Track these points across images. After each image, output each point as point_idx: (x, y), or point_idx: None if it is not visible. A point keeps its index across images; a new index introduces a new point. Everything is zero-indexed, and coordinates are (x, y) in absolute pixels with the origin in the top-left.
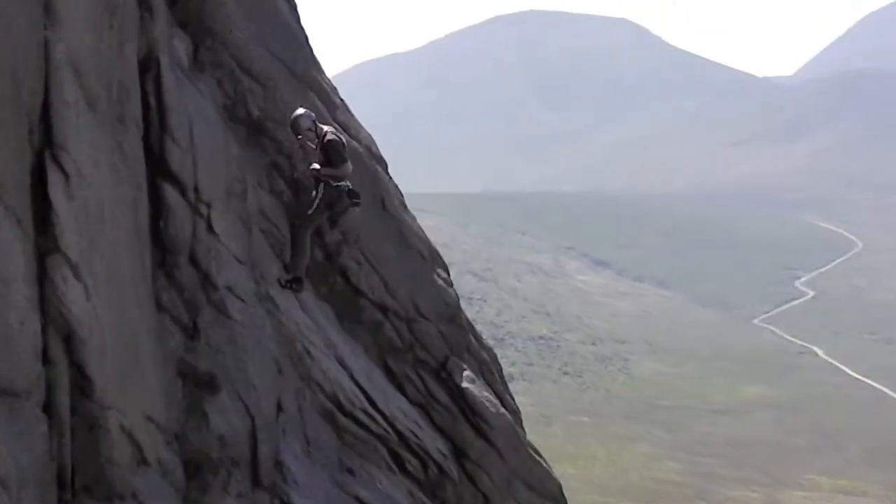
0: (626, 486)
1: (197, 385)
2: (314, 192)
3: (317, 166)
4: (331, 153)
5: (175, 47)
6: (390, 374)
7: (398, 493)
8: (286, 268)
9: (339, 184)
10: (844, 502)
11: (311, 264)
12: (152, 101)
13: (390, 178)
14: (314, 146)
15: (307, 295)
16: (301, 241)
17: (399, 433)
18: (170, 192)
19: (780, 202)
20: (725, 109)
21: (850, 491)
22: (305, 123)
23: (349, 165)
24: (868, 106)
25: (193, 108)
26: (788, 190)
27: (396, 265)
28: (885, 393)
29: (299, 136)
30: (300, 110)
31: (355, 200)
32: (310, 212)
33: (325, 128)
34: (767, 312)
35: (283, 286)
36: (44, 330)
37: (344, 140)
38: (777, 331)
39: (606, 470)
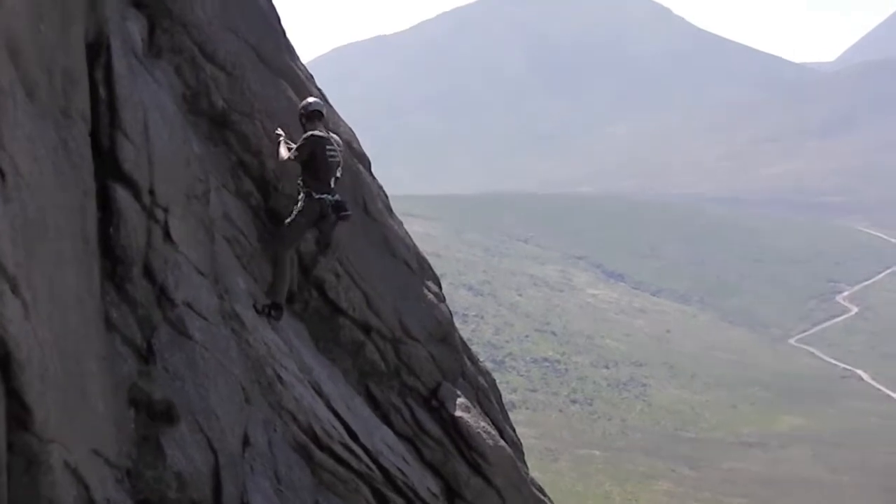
0: None
1: (152, 415)
2: (295, 205)
3: (284, 152)
4: (300, 144)
5: (128, 29)
6: (373, 403)
7: None
8: (266, 291)
9: (323, 195)
10: None
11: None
12: (102, 90)
13: (374, 177)
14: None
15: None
16: (281, 262)
17: (383, 470)
18: (121, 195)
19: (820, 206)
20: (758, 100)
21: None
22: (313, 107)
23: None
24: None
25: (149, 99)
26: (830, 192)
27: (380, 278)
28: None
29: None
30: (313, 99)
31: (343, 214)
32: (287, 222)
33: (324, 131)
34: (805, 332)
35: (259, 312)
36: None
37: (331, 146)
38: (816, 352)
39: None
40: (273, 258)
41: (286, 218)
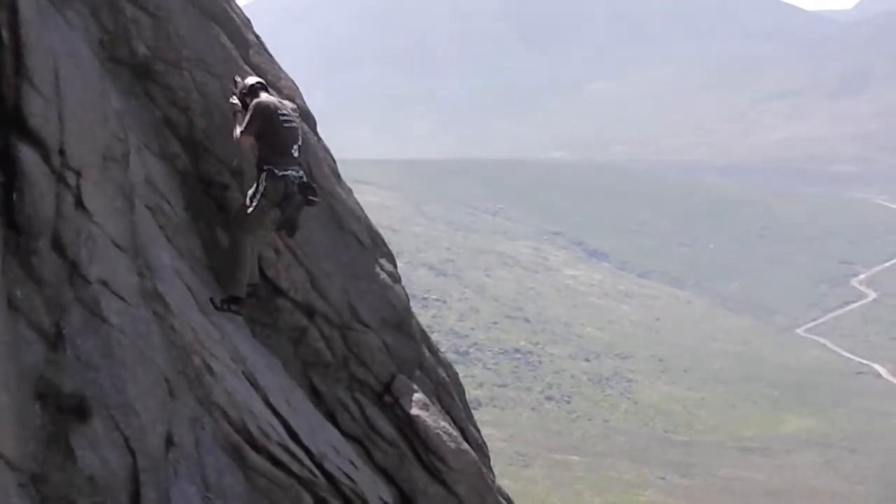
0: None
1: (61, 410)
2: (255, 186)
3: (238, 130)
4: (248, 115)
5: None
6: (317, 398)
7: None
8: (220, 283)
9: (287, 172)
10: None
11: (219, 255)
12: (5, 35)
13: (319, 138)
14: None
15: (209, 294)
16: (240, 250)
17: (328, 475)
18: (27, 156)
19: (833, 176)
20: (764, 54)
21: None
22: (252, 84)
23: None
24: None
25: (60, 45)
26: (844, 160)
27: (326, 254)
28: None
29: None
30: (252, 78)
31: (311, 197)
32: (248, 210)
33: (267, 97)
34: (815, 320)
35: (217, 308)
36: None
37: (284, 112)
38: (828, 344)
39: None
40: (230, 245)
41: (217, 185)
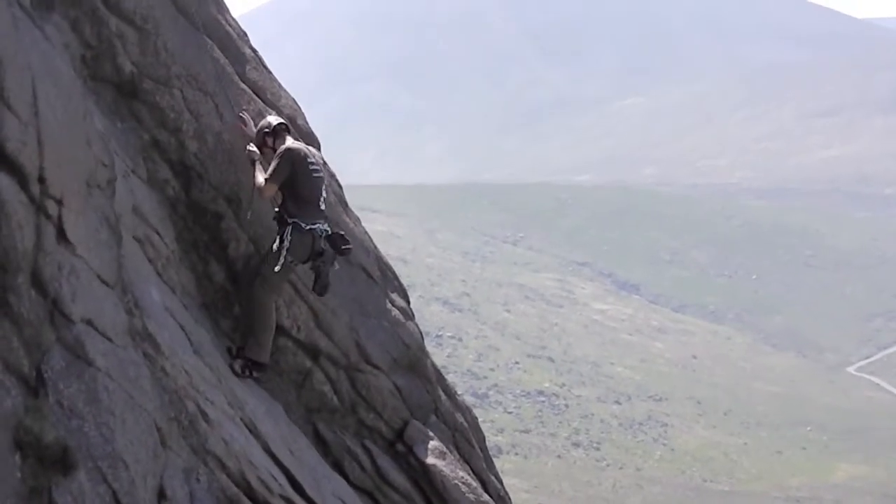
0: None
1: (42, 462)
2: (279, 240)
3: (260, 178)
4: (275, 162)
5: None
6: (323, 446)
7: None
8: (235, 344)
9: (315, 225)
10: None
11: (214, 291)
12: None
13: (324, 162)
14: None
15: (203, 333)
16: (264, 312)
17: None
18: (3, 184)
19: (887, 199)
20: (809, 66)
21: None
22: (278, 125)
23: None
24: None
25: (38, 63)
26: None
27: (332, 289)
28: None
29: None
30: (274, 118)
31: (345, 247)
32: (276, 268)
33: (295, 143)
34: (868, 358)
35: (237, 374)
36: None
37: (312, 160)
38: (883, 384)
39: None
40: (252, 307)
41: (211, 214)
